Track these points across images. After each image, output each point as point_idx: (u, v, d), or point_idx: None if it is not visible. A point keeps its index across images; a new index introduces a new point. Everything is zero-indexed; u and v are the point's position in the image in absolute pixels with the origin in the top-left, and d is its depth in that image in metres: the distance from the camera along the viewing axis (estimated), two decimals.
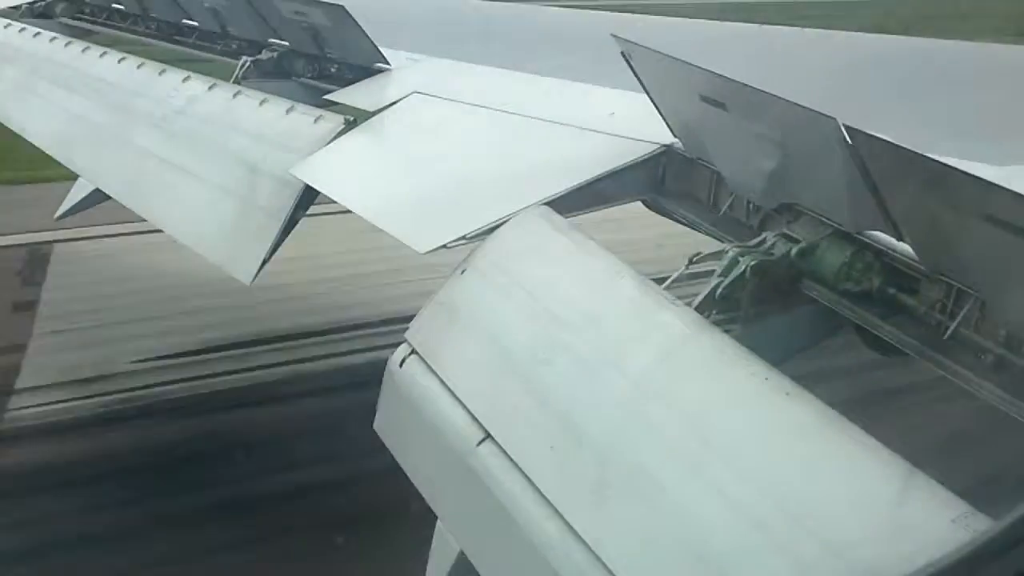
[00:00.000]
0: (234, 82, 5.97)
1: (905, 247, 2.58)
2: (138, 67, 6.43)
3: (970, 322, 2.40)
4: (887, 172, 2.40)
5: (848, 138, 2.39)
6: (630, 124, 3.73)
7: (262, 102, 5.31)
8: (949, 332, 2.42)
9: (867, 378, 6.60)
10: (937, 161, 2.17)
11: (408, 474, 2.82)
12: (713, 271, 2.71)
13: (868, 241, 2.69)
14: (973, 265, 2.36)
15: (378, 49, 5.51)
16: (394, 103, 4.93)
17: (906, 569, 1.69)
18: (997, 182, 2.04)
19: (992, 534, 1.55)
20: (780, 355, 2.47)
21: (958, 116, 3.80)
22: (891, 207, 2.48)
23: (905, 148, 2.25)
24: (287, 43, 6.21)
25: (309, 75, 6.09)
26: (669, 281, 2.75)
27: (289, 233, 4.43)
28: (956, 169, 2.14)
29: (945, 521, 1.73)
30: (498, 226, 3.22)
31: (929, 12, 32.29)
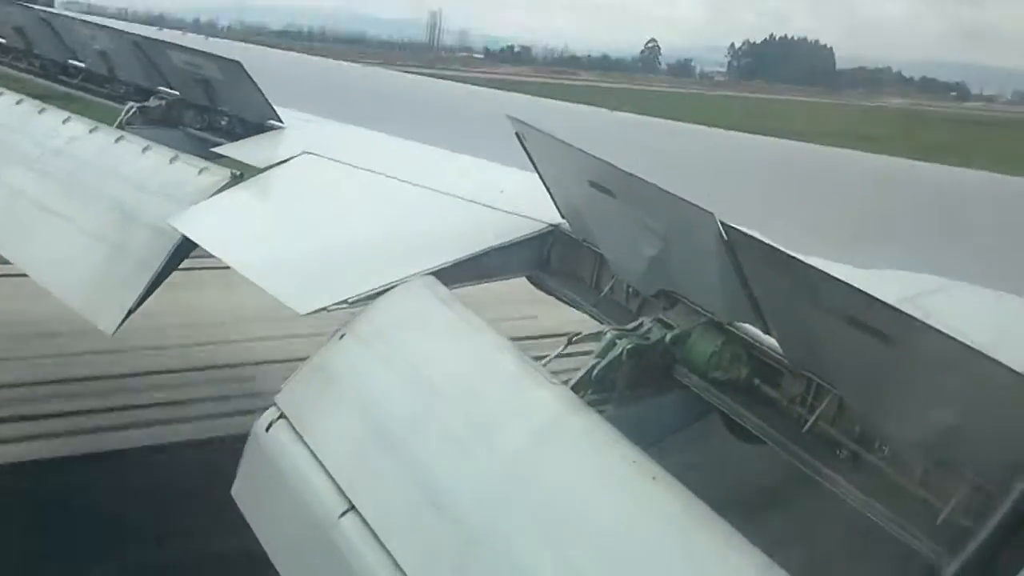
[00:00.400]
0: (118, 127, 5.77)
1: (772, 341, 2.68)
2: (16, 103, 6.17)
3: (828, 417, 2.48)
4: (758, 268, 2.50)
5: (724, 233, 2.48)
6: (519, 202, 3.78)
7: (145, 149, 5.14)
8: (808, 426, 2.50)
9: None
10: (803, 262, 2.27)
11: (264, 546, 2.68)
12: (591, 352, 2.74)
13: (738, 332, 2.78)
14: (832, 363, 2.46)
15: (272, 107, 5.44)
16: (284, 161, 4.86)
17: None
18: (857, 285, 2.14)
19: None
20: (650, 438, 2.49)
21: (831, 220, 4.01)
22: (760, 301, 2.57)
23: (775, 247, 2.35)
24: (177, 92, 6.06)
25: (198, 126, 5.94)
26: (548, 360, 2.75)
27: (159, 285, 4.26)
28: (820, 271, 2.24)
29: None
30: (382, 292, 3.17)
31: None
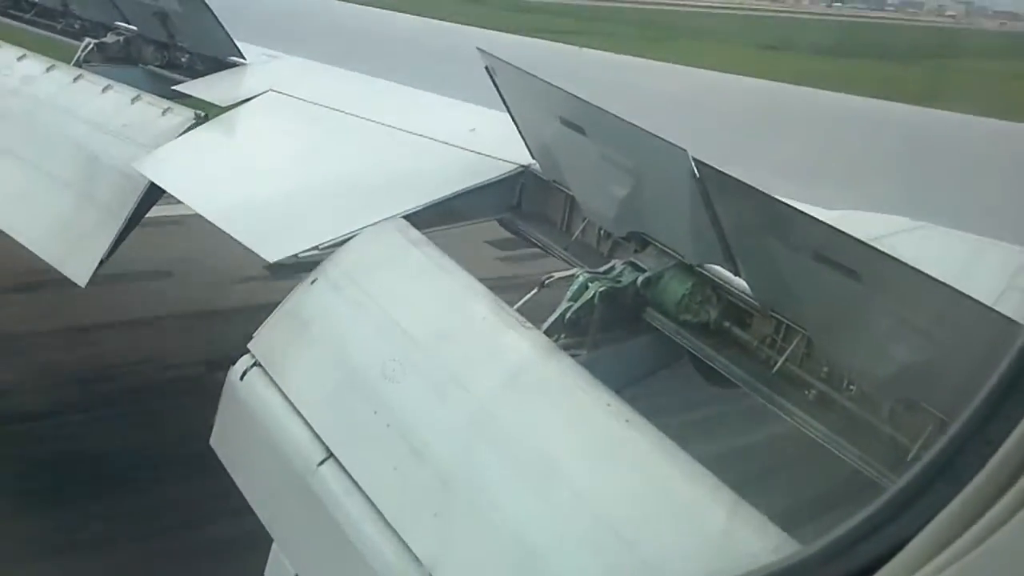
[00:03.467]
0: (75, 65, 5.61)
1: (741, 283, 2.71)
2: None
3: (796, 358, 2.53)
4: (729, 207, 2.50)
5: (696, 171, 2.47)
6: (490, 142, 3.75)
7: (105, 88, 5.02)
8: (777, 367, 2.55)
9: None
10: (775, 199, 2.28)
11: (244, 493, 2.72)
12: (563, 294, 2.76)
13: (708, 275, 2.80)
14: (801, 303, 2.50)
15: (233, 42, 5.31)
16: (248, 100, 4.76)
17: None
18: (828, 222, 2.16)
19: (800, 557, 1.62)
20: (622, 381, 2.53)
21: (805, 161, 4.01)
22: (730, 241, 2.59)
23: (746, 184, 2.35)
24: (135, 28, 5.89)
25: (157, 63, 5.80)
26: (521, 302, 2.77)
27: (131, 231, 4.20)
28: (791, 207, 2.25)
29: (766, 549, 1.82)
30: (352, 237, 3.15)
31: None
